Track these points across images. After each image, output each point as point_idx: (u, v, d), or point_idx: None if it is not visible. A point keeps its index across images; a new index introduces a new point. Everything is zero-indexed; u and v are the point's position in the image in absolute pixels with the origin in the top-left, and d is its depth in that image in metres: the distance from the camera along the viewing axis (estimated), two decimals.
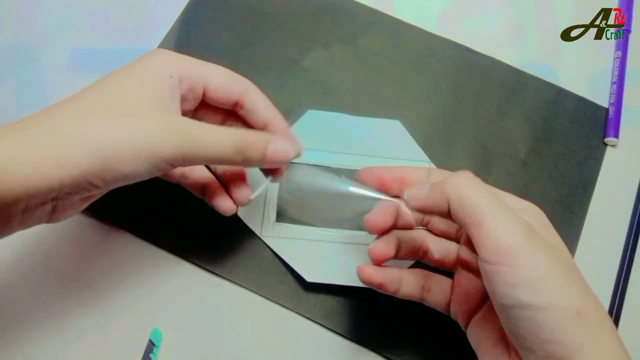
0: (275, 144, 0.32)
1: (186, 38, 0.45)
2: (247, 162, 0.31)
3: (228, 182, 0.35)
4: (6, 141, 0.27)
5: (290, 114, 0.42)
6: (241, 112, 0.34)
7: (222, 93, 0.33)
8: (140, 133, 0.28)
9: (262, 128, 0.34)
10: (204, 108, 0.34)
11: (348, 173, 0.40)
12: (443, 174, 0.32)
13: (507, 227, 0.27)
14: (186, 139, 0.29)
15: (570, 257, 0.30)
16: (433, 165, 0.40)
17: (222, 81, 0.33)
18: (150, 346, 0.36)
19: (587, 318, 0.26)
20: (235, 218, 0.39)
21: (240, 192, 0.34)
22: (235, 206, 0.34)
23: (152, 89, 0.30)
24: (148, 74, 0.30)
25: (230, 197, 0.34)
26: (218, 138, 0.30)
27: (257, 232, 0.39)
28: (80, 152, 0.27)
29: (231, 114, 0.35)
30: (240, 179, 0.34)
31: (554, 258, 0.27)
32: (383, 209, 0.32)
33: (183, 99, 0.32)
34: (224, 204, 0.34)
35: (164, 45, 0.44)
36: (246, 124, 0.34)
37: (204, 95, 0.33)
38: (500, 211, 0.27)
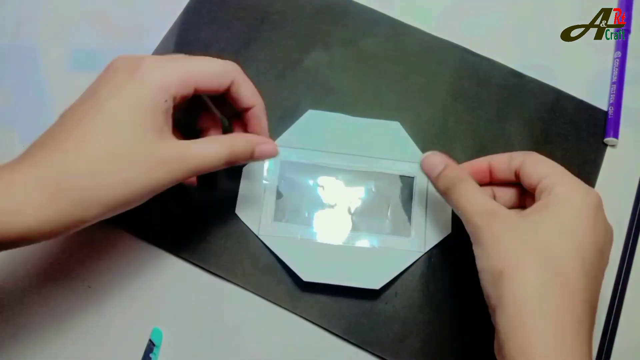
0: (260, 146, 0.35)
1: (186, 38, 0.45)
2: (237, 164, 0.34)
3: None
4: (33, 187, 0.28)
5: (290, 114, 0.42)
6: (229, 96, 0.35)
7: (211, 87, 0.34)
8: (146, 179, 0.30)
9: (246, 109, 0.36)
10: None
11: (346, 174, 0.40)
12: (519, 157, 0.35)
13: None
14: (182, 167, 0.31)
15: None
16: None
17: (211, 76, 0.34)
18: (150, 346, 0.36)
19: None
20: (233, 217, 0.39)
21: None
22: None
23: (151, 123, 0.31)
24: (145, 104, 0.31)
25: None
26: (210, 156, 0.32)
27: (255, 231, 0.39)
28: (96, 206, 0.29)
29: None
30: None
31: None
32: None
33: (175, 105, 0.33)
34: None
35: (163, 45, 0.44)
36: (233, 103, 0.36)
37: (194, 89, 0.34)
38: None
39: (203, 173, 0.33)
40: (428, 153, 0.37)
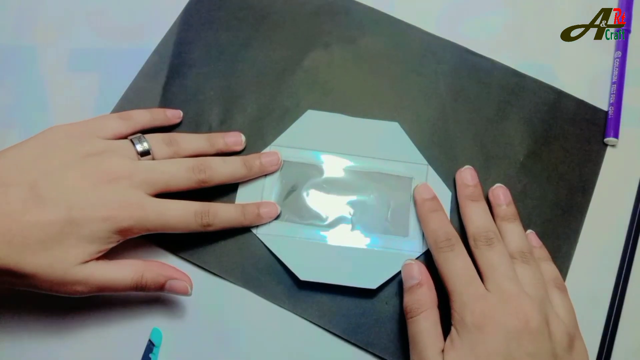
0: (173, 282, 0.36)
1: (186, 38, 0.45)
2: (149, 291, 0.36)
3: None
4: None
5: (290, 114, 0.42)
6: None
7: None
8: (48, 289, 0.34)
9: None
10: None
11: (345, 174, 0.40)
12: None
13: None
14: (83, 289, 0.34)
15: None
16: (430, 168, 0.40)
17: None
18: (150, 346, 0.36)
19: None
20: None
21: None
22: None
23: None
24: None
25: None
26: (115, 280, 0.34)
27: (254, 230, 0.39)
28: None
29: None
30: None
31: None
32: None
33: None
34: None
35: (163, 45, 0.44)
36: None
37: None
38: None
39: (111, 293, 0.35)
40: (408, 261, 0.37)
